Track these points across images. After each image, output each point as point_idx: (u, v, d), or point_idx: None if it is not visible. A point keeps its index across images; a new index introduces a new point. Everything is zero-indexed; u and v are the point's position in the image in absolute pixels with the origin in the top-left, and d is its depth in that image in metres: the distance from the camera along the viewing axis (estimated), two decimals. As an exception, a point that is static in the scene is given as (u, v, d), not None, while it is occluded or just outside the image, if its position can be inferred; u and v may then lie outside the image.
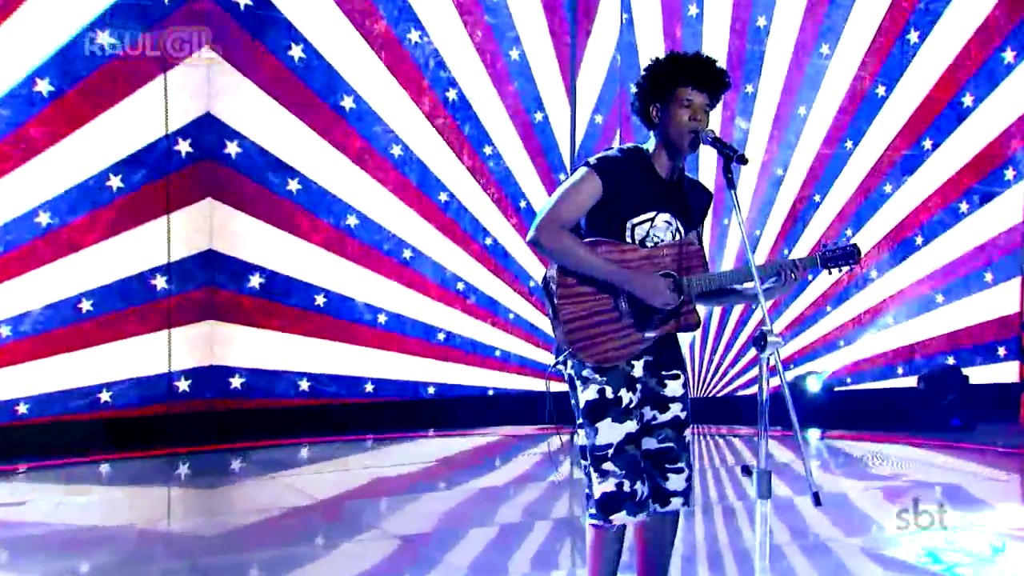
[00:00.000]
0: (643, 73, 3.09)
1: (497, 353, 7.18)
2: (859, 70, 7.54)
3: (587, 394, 3.07)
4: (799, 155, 7.63)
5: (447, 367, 6.99)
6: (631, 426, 3.04)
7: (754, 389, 2.65)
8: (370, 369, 6.78)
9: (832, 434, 7.34)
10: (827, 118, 7.69)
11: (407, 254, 6.74)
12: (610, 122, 7.09)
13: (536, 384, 6.97)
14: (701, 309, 3.16)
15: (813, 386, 7.59)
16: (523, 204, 7.30)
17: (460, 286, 6.85)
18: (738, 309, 7.52)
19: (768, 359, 2.61)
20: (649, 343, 3.04)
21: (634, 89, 3.11)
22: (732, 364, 7.54)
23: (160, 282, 6.22)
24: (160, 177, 6.23)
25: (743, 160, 2.91)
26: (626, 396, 3.05)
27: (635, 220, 3.04)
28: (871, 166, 7.85)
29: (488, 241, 6.89)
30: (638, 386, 3.05)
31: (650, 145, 3.11)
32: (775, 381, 2.64)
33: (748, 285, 3.08)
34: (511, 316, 7.18)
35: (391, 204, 6.71)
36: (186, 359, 6.30)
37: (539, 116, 7.03)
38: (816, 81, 7.64)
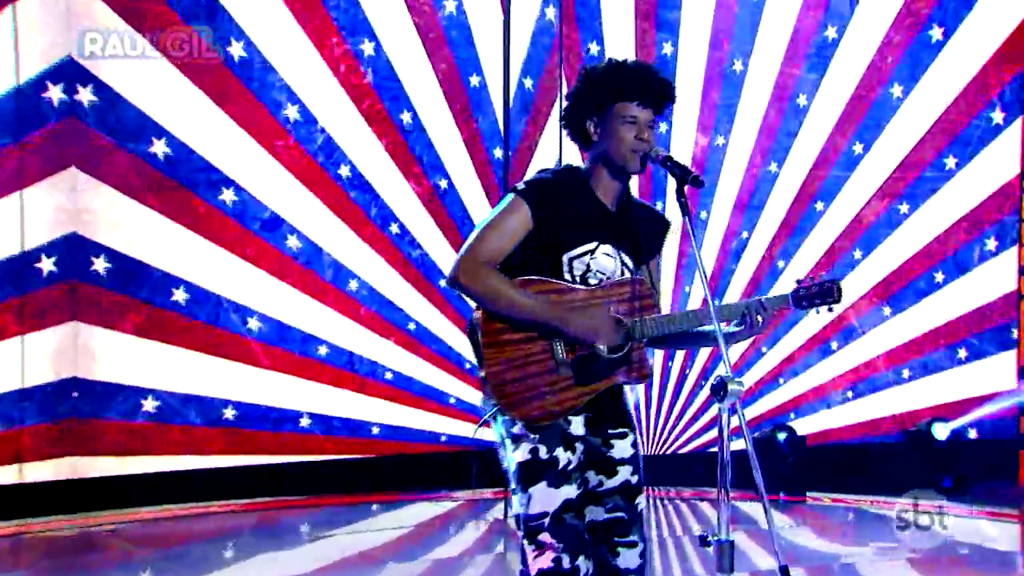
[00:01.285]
0: (578, 84, 2.88)
1: (452, 400, 6.70)
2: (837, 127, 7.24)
3: (518, 455, 2.82)
4: (787, 173, 7.25)
5: (395, 408, 6.53)
6: (570, 491, 2.80)
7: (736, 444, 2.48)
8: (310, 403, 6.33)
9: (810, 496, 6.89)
10: (824, 131, 7.30)
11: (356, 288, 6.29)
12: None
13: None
14: (659, 352, 2.77)
15: (787, 441, 7.07)
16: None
17: (411, 327, 6.40)
18: (705, 350, 7.02)
19: (729, 409, 2.44)
20: (590, 396, 2.81)
21: (566, 102, 2.90)
22: (698, 414, 7.04)
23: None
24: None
25: (698, 182, 2.68)
26: (563, 456, 2.82)
27: (572, 253, 2.83)
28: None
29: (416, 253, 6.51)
30: (578, 446, 2.85)
31: (588, 166, 2.90)
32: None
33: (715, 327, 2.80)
34: (467, 366, 6.73)
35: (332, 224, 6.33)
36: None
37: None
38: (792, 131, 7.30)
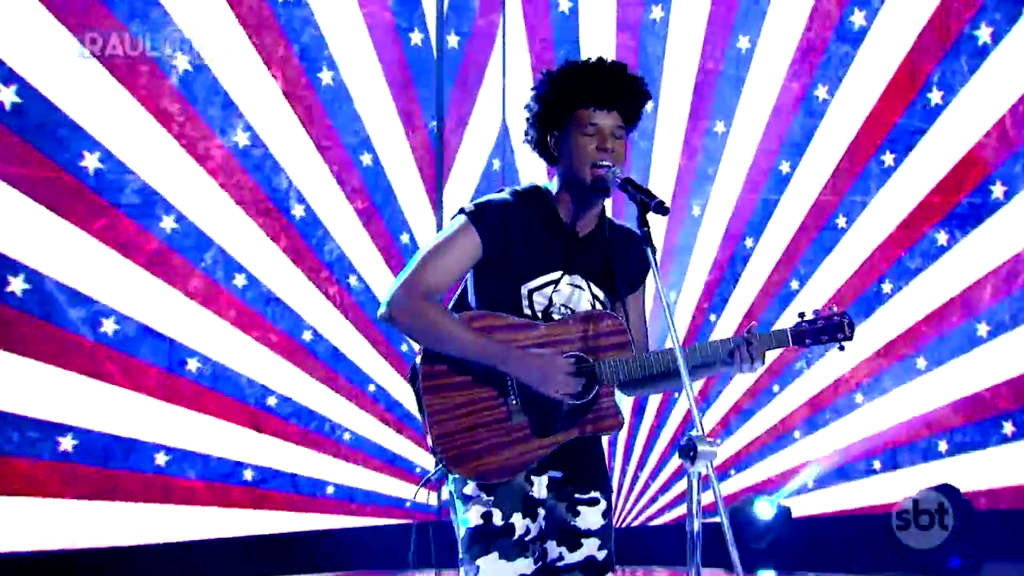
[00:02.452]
0: (532, 92, 2.70)
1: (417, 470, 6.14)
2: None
3: (469, 518, 2.59)
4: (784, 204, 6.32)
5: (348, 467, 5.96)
6: (524, 566, 2.57)
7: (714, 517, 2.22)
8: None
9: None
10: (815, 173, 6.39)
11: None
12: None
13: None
14: (628, 401, 2.49)
15: (764, 512, 6.31)
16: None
17: (371, 388, 5.89)
18: (682, 404, 6.31)
19: (699, 474, 2.20)
20: (551, 450, 2.58)
21: (526, 114, 2.72)
22: (673, 480, 6.49)
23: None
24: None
25: (663, 209, 2.47)
26: (520, 524, 2.58)
27: (532, 285, 2.62)
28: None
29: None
30: (540, 511, 2.62)
31: (552, 185, 2.71)
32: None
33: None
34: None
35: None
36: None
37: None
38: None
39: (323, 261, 5.65)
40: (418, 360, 2.58)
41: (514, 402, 2.57)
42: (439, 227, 5.55)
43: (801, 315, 2.71)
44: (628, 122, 2.66)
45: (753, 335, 2.64)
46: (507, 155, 5.83)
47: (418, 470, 5.83)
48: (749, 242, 6.33)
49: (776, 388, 6.36)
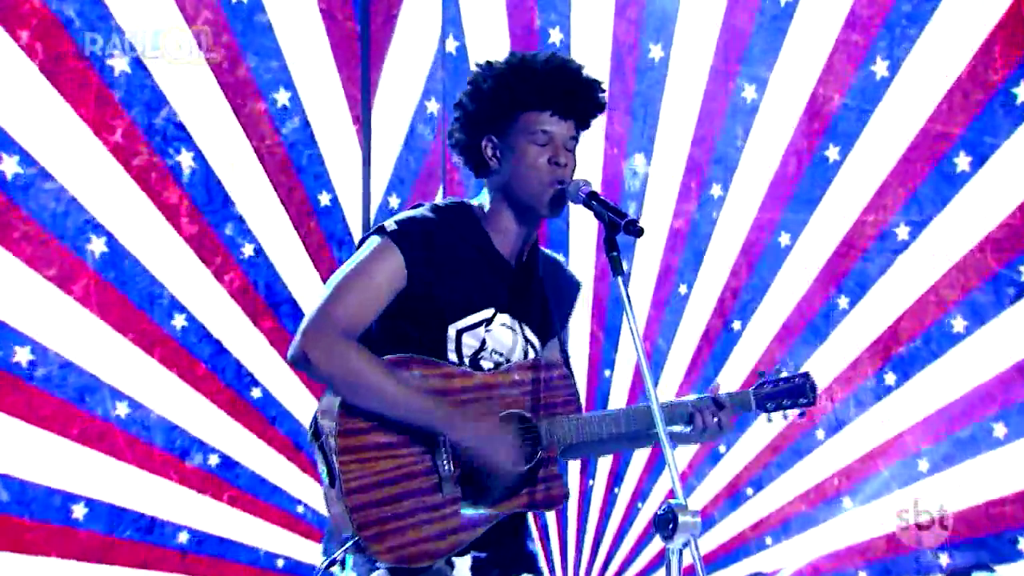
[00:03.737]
0: (469, 88, 2.34)
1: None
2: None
3: None
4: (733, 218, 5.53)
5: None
6: None
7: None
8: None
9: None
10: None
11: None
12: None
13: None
14: (573, 465, 2.43)
15: None
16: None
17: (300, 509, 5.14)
18: (640, 457, 5.51)
19: (680, 551, 1.92)
20: (487, 528, 2.24)
21: (456, 113, 2.35)
22: (635, 552, 5.85)
23: None
24: None
25: (635, 229, 2.12)
26: None
27: (462, 324, 2.27)
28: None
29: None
30: None
31: (482, 202, 2.35)
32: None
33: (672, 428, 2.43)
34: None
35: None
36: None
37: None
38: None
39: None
40: (330, 407, 2.16)
41: (447, 468, 2.18)
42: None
43: (761, 374, 2.48)
44: (580, 130, 2.33)
45: (725, 397, 2.38)
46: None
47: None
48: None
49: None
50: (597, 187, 4.95)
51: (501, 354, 2.32)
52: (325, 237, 4.69)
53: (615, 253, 2.11)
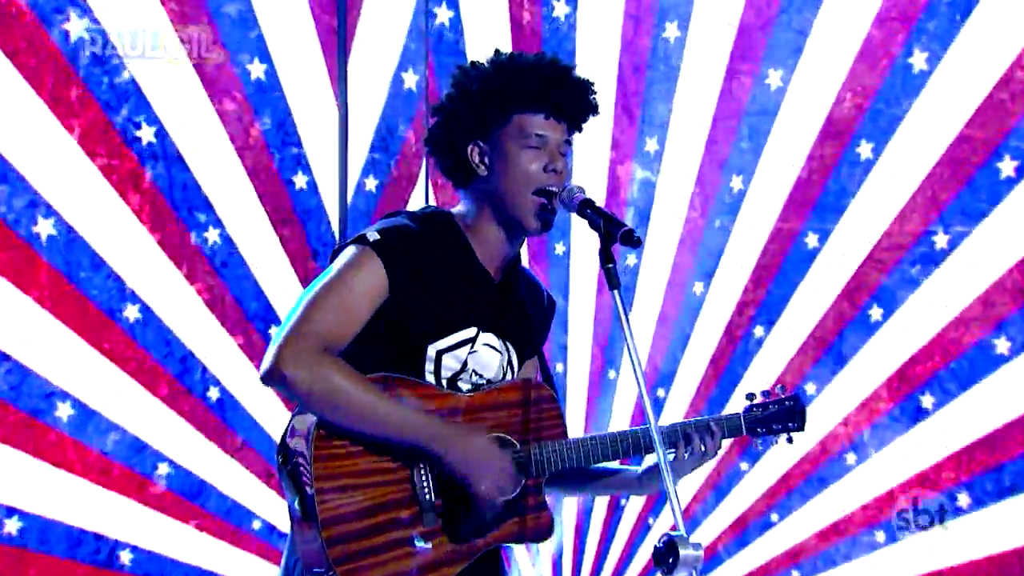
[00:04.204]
0: (453, 91, 2.23)
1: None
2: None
3: None
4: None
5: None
6: None
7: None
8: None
9: None
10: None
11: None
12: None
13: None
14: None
15: None
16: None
17: None
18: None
19: None
20: (468, 563, 2.13)
21: (438, 118, 2.24)
22: None
23: None
24: None
25: (632, 240, 2.01)
26: None
27: (443, 344, 2.17)
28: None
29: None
30: None
31: (465, 212, 2.24)
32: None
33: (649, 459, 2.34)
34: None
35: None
36: None
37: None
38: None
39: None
40: (305, 427, 2.05)
41: (427, 498, 2.07)
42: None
43: (750, 396, 2.38)
44: (572, 133, 2.24)
45: (716, 421, 2.30)
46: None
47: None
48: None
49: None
50: (601, 194, 4.50)
51: (481, 375, 2.21)
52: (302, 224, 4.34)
53: (611, 265, 1.98)
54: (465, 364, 2.17)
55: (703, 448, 2.25)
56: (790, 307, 4.67)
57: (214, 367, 4.28)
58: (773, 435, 2.36)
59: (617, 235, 1.97)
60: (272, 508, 4.35)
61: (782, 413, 2.37)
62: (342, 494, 2.03)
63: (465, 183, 2.21)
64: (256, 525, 4.42)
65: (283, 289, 4.27)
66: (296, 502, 2.04)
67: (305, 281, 4.37)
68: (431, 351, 2.13)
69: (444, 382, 2.16)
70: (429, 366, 2.13)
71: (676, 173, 4.59)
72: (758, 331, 4.61)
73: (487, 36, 4.27)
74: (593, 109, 2.23)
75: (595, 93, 2.22)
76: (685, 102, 4.48)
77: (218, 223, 4.16)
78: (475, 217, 2.19)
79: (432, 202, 4.04)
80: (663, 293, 4.63)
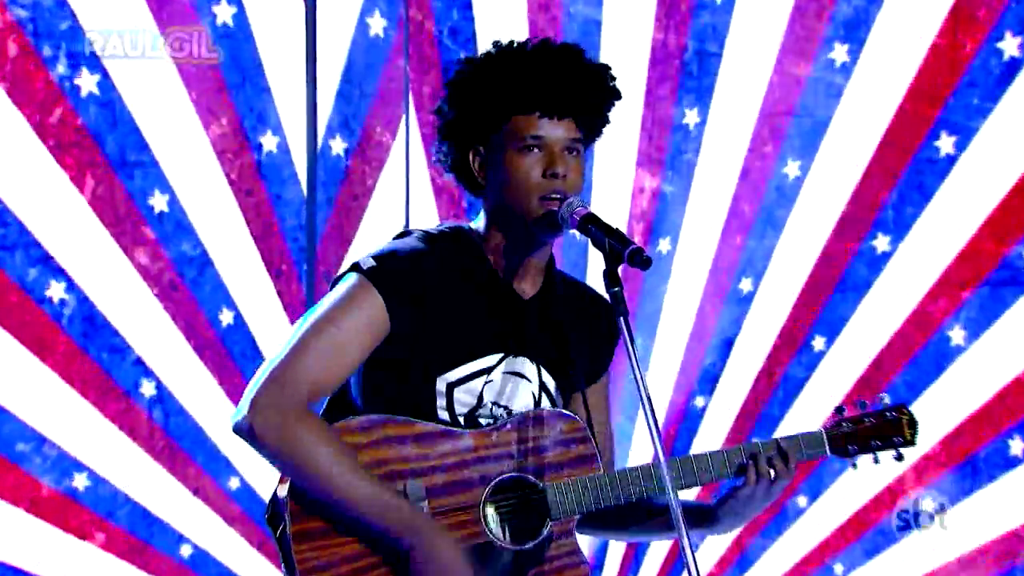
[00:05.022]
0: (447, 92, 2.05)
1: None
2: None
3: None
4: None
5: None
6: None
7: None
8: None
9: None
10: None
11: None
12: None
13: None
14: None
15: None
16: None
17: None
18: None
19: None
20: None
21: (436, 122, 2.07)
22: None
23: None
24: None
25: (641, 260, 1.82)
26: None
27: (454, 375, 1.98)
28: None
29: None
30: None
31: (480, 225, 2.06)
32: None
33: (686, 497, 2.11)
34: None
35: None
36: None
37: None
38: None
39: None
40: (285, 492, 1.90)
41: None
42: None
43: (839, 410, 2.12)
44: (588, 134, 2.01)
45: (787, 442, 2.05)
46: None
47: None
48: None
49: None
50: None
51: (504, 408, 2.02)
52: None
53: (617, 289, 1.79)
54: (481, 397, 1.99)
55: (771, 472, 2.01)
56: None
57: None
58: (871, 452, 2.10)
59: (624, 254, 1.79)
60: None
61: (884, 425, 2.12)
62: (321, 551, 1.86)
63: (477, 192, 2.05)
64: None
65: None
66: (284, 568, 1.90)
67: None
68: (441, 384, 1.96)
69: (461, 420, 1.98)
70: (441, 401, 1.96)
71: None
72: (818, 343, 4.18)
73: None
74: (605, 98, 2.00)
75: (610, 80, 2.00)
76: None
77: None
78: (488, 229, 2.02)
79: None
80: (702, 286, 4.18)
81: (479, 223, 2.03)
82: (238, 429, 1.88)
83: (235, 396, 3.69)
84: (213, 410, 3.75)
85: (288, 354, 1.88)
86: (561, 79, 1.95)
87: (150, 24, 3.77)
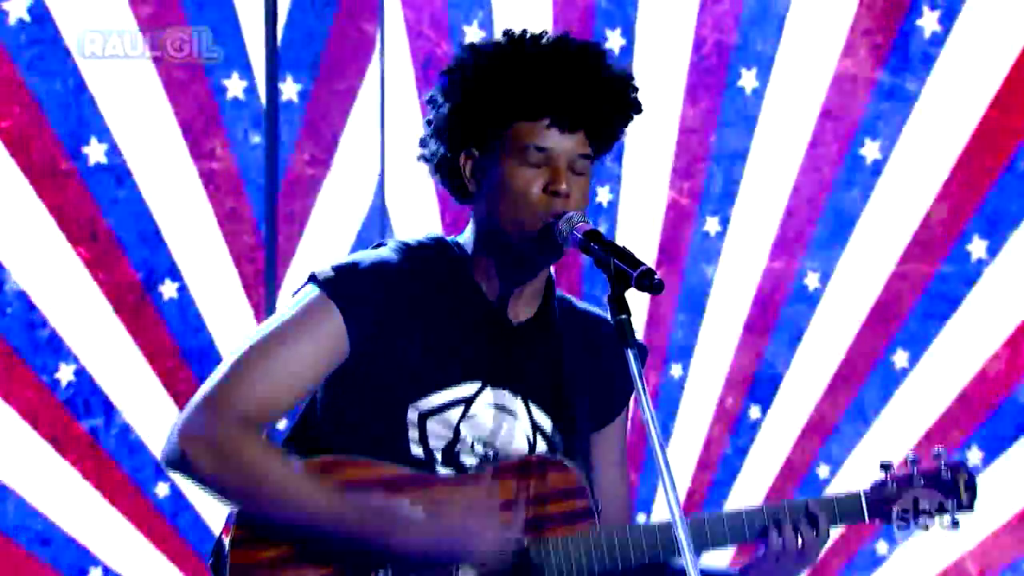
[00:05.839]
0: (443, 84, 1.83)
1: None
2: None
3: None
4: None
5: None
6: None
7: None
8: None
9: None
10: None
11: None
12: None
13: None
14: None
15: None
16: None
17: None
18: None
19: None
20: None
21: (428, 115, 1.85)
22: None
23: None
24: None
25: (651, 285, 1.59)
26: None
27: (427, 404, 1.77)
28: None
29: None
30: None
31: (467, 239, 1.86)
32: None
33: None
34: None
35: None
36: None
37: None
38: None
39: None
40: (226, 541, 1.70)
41: None
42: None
43: (886, 467, 1.89)
44: (598, 148, 1.80)
45: (819, 504, 1.83)
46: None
47: None
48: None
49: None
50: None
51: (489, 447, 1.80)
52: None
53: (624, 316, 1.55)
54: (458, 432, 1.77)
55: (799, 541, 1.80)
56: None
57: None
58: (920, 517, 1.89)
59: (632, 278, 1.56)
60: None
61: (937, 487, 1.90)
62: None
63: (464, 199, 1.83)
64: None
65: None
66: None
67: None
68: (412, 415, 1.75)
69: (438, 456, 1.76)
70: (413, 433, 1.75)
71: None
72: (899, 358, 3.84)
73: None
74: (624, 111, 1.79)
75: (632, 91, 1.79)
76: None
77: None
78: (475, 243, 1.81)
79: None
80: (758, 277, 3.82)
81: (466, 236, 1.83)
82: (169, 460, 1.69)
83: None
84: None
85: (227, 374, 1.69)
86: (578, 86, 1.74)
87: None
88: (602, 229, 1.74)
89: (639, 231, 3.66)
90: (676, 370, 3.65)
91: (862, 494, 1.88)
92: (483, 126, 1.75)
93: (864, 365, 3.74)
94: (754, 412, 3.71)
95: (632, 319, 1.60)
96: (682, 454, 3.65)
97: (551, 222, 1.70)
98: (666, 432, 3.64)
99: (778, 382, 3.70)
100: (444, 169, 1.81)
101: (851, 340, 3.73)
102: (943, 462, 1.90)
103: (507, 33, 1.80)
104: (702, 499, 3.73)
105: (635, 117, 1.82)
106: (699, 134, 3.68)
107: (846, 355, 3.73)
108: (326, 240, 3.55)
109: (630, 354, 1.55)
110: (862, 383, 3.73)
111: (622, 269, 1.58)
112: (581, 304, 1.93)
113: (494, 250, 1.78)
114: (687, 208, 3.68)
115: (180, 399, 3.39)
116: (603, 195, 3.65)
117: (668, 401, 3.66)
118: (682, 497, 3.56)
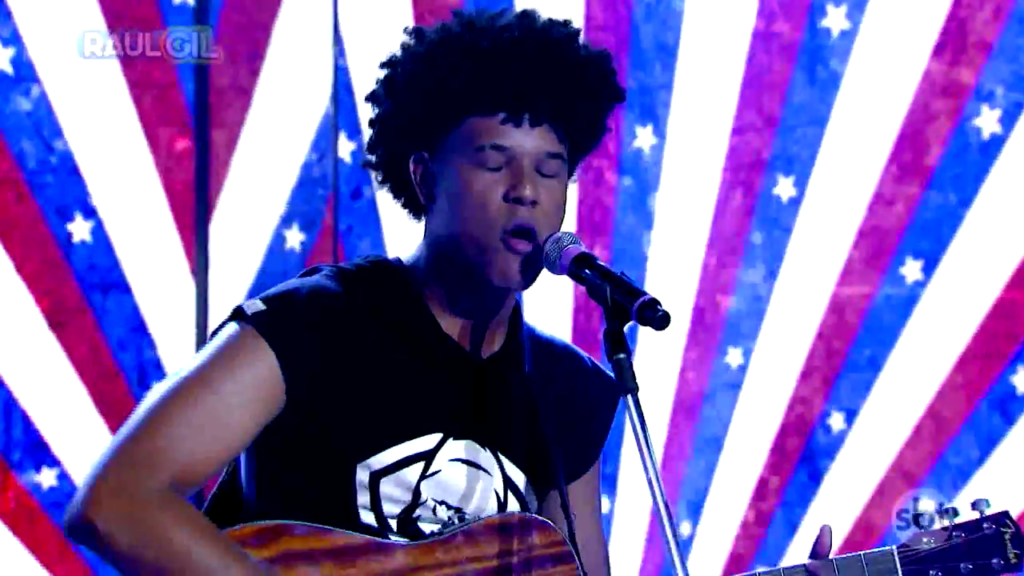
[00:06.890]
0: (386, 75, 1.59)
1: None
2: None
3: None
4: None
5: None
6: None
7: None
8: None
9: None
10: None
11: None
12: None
13: None
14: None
15: None
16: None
17: None
18: None
19: None
20: None
21: (371, 111, 1.61)
22: None
23: None
24: None
25: (655, 318, 1.39)
26: None
27: (378, 462, 1.54)
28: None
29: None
30: None
31: (417, 258, 1.62)
32: None
33: None
34: None
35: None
36: None
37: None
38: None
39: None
40: None
41: None
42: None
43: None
44: (577, 145, 1.58)
45: (846, 561, 1.65)
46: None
47: None
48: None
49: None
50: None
51: (455, 507, 1.58)
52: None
53: (622, 356, 1.36)
54: (418, 492, 1.54)
55: None
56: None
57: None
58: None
59: (632, 310, 1.37)
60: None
61: (978, 541, 1.72)
62: None
63: (417, 213, 1.61)
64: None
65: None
66: None
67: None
68: (362, 474, 1.52)
69: (393, 523, 1.54)
70: (363, 498, 1.52)
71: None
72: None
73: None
74: (597, 103, 1.58)
75: (608, 73, 1.57)
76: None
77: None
78: (429, 265, 1.57)
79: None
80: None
81: (415, 257, 1.58)
82: (73, 527, 1.42)
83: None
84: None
85: (143, 426, 1.43)
86: (539, 72, 1.51)
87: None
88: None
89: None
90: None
91: (895, 551, 1.70)
92: (431, 124, 1.53)
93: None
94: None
95: (632, 358, 1.39)
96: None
97: (520, 251, 1.48)
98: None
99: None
100: (393, 178, 1.58)
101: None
102: (984, 511, 1.70)
103: (456, 13, 1.57)
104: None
105: (614, 105, 1.59)
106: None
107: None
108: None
109: (630, 400, 1.35)
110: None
111: (622, 302, 1.39)
112: (545, 333, 1.71)
113: (451, 273, 1.54)
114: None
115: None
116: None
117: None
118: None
